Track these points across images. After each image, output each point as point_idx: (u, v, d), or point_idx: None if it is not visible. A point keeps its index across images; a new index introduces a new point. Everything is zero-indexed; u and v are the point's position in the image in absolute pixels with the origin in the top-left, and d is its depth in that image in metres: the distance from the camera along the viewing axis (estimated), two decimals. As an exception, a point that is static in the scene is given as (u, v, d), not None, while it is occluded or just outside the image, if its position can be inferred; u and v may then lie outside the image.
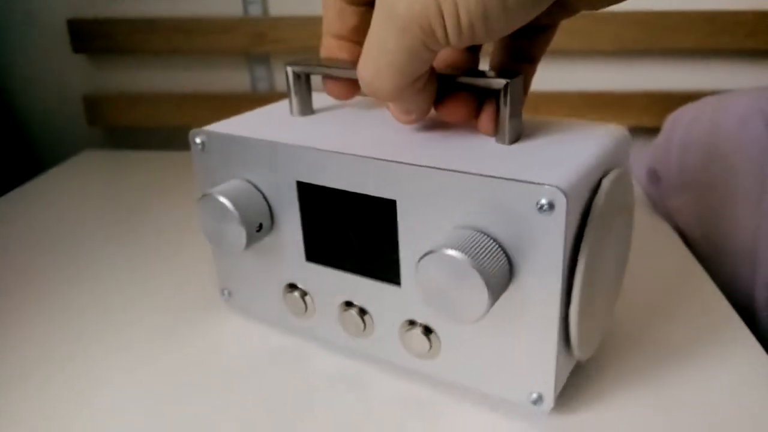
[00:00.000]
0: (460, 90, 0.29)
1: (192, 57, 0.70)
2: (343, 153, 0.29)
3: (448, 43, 0.23)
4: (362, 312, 0.32)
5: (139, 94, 0.72)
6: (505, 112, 0.28)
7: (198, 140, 0.33)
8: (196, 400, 0.31)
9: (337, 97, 0.32)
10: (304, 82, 0.34)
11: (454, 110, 0.29)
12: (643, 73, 0.66)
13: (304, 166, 0.30)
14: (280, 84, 0.71)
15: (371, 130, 0.32)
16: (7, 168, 0.70)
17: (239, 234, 0.31)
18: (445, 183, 0.26)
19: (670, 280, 0.40)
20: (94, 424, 0.30)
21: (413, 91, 0.26)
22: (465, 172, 0.26)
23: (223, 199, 0.31)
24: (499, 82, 0.27)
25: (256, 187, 0.32)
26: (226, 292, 0.37)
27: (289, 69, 0.33)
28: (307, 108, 0.35)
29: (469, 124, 0.30)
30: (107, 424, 0.30)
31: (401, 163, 0.27)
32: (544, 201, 0.24)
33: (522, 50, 0.30)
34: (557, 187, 0.24)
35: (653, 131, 0.57)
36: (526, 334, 0.27)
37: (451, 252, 0.24)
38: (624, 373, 0.32)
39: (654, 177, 0.52)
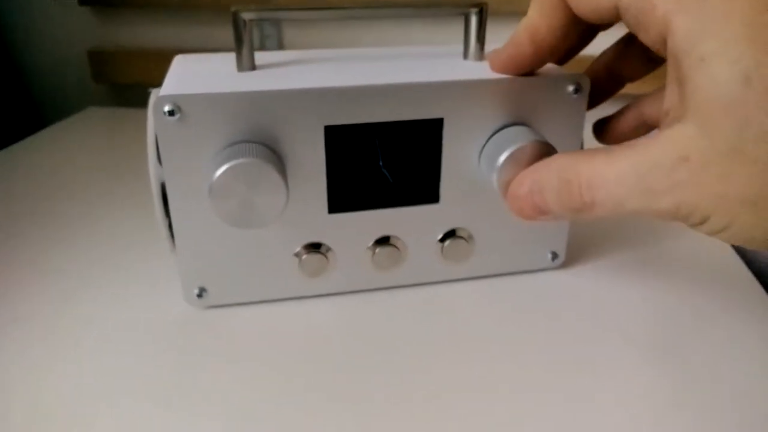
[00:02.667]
0: None
1: (200, 11, 0.66)
2: (382, 84, 0.29)
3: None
4: (395, 243, 0.32)
5: (145, 50, 0.68)
6: (477, 34, 0.33)
7: (167, 108, 0.27)
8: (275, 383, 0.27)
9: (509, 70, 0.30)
10: (252, 32, 0.30)
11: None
12: None
13: (334, 108, 0.28)
14: (289, 42, 0.67)
15: (353, 65, 0.32)
16: (11, 123, 0.70)
17: (277, 200, 0.27)
18: (489, 92, 0.30)
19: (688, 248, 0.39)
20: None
21: None
22: (507, 78, 0.30)
23: (262, 163, 0.26)
24: (475, 8, 0.32)
25: (267, 146, 0.28)
26: (197, 291, 0.31)
27: (244, 16, 0.30)
28: (252, 62, 0.31)
29: None
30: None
31: (448, 81, 0.29)
32: (573, 87, 0.31)
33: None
34: (581, 75, 0.30)
35: None
36: (547, 205, 0.33)
37: (534, 137, 0.29)
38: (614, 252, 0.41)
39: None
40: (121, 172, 0.50)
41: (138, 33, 0.69)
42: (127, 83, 0.70)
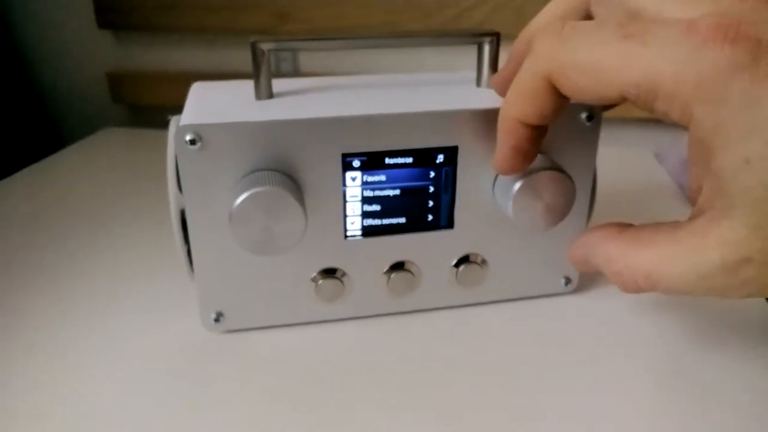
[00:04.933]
0: None
1: (217, 35, 0.68)
2: (399, 113, 0.29)
3: None
4: (410, 268, 0.32)
5: (163, 72, 0.69)
6: (491, 62, 0.33)
7: (188, 138, 0.27)
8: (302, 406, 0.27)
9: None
10: (270, 61, 0.31)
11: None
12: None
13: (351, 136, 0.29)
14: (304, 65, 0.68)
15: (369, 93, 0.32)
16: (30, 143, 0.70)
17: (296, 227, 0.28)
18: (502, 119, 0.30)
19: None
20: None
21: None
22: (521, 106, 0.30)
23: (282, 192, 0.27)
24: (489, 37, 0.32)
25: (285, 173, 0.29)
26: (214, 316, 0.32)
27: (262, 46, 0.30)
28: (270, 90, 0.32)
29: None
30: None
31: (463, 110, 0.30)
32: (586, 114, 0.31)
33: None
34: (593, 105, 0.31)
35: None
36: (561, 232, 0.34)
37: (549, 165, 0.29)
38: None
39: (687, 166, 0.54)
40: (139, 192, 0.51)
41: (156, 56, 0.70)
42: (145, 105, 0.71)
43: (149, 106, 0.72)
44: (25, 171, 0.56)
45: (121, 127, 0.72)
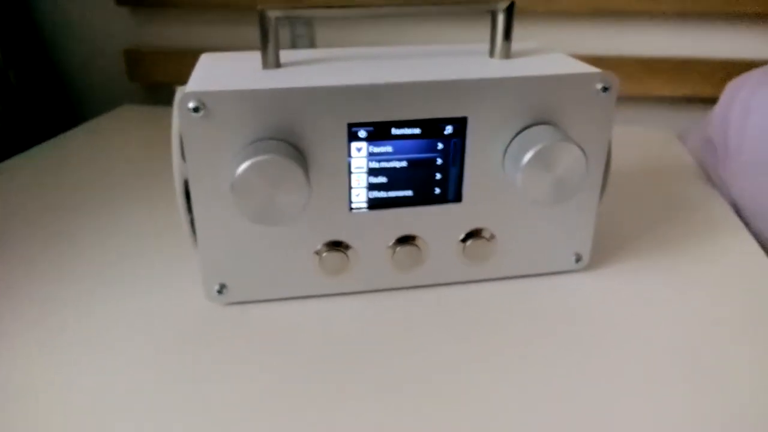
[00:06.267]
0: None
1: (236, 12, 0.67)
2: (406, 82, 0.28)
3: None
4: (416, 242, 0.32)
5: (181, 49, 0.69)
6: (504, 31, 0.32)
7: (192, 105, 0.27)
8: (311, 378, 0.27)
9: None
10: (278, 30, 0.31)
11: None
12: (705, 39, 0.61)
13: (357, 105, 0.28)
14: (320, 40, 0.67)
15: (378, 63, 0.32)
16: (46, 119, 0.71)
17: (299, 197, 0.27)
18: (514, 90, 0.29)
19: (721, 252, 0.38)
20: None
21: None
22: (533, 76, 0.29)
23: (284, 160, 0.26)
24: (503, 4, 0.31)
25: (290, 143, 0.28)
26: (217, 287, 0.31)
27: (270, 14, 0.30)
28: (278, 60, 0.31)
29: None
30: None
31: (473, 79, 0.29)
32: (601, 85, 0.30)
33: None
34: (610, 74, 0.30)
35: (711, 101, 0.54)
36: (572, 208, 0.33)
37: (564, 143, 0.28)
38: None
39: (710, 146, 0.49)
40: (153, 169, 0.51)
41: (173, 33, 0.70)
42: (161, 82, 0.71)
43: (166, 84, 0.72)
44: (42, 146, 0.56)
45: (137, 104, 0.72)
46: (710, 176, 0.50)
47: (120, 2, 0.68)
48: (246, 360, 0.29)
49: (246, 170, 0.26)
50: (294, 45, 0.68)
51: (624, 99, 0.64)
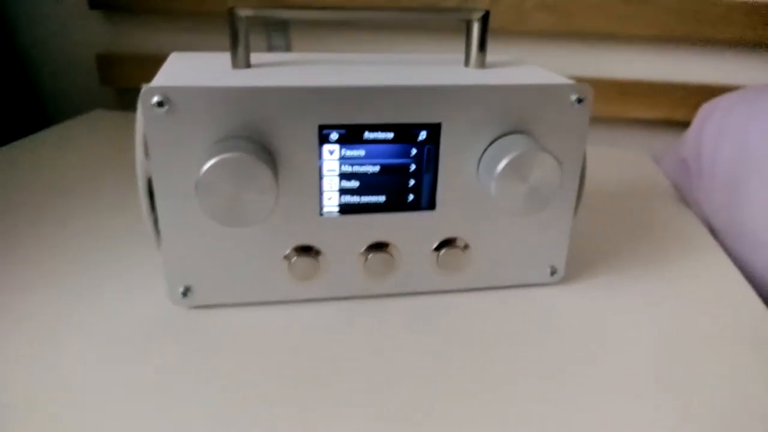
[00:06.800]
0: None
1: (209, 19, 0.67)
2: (380, 86, 0.28)
3: None
4: (388, 249, 0.31)
5: (154, 55, 0.68)
6: (479, 41, 0.32)
7: (156, 100, 0.26)
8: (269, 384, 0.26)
9: None
10: (248, 30, 0.30)
11: None
12: (679, 64, 0.62)
13: (329, 107, 0.28)
14: (297, 48, 0.67)
15: (352, 67, 0.31)
16: (16, 121, 0.70)
17: (267, 196, 0.26)
18: (489, 98, 0.29)
19: (695, 269, 0.38)
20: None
21: None
22: (508, 85, 0.29)
23: (252, 159, 0.26)
24: (478, 14, 0.31)
25: (258, 143, 0.28)
26: (182, 289, 0.30)
27: (240, 13, 0.29)
28: (248, 60, 0.31)
29: None
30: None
31: (448, 85, 0.28)
32: (576, 96, 0.30)
33: None
34: (585, 85, 0.30)
35: (685, 125, 0.55)
36: (547, 220, 0.32)
37: (539, 152, 0.28)
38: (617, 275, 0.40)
39: (684, 167, 0.50)
40: (122, 172, 0.50)
41: (147, 38, 0.69)
42: (134, 87, 0.70)
43: (138, 89, 0.71)
44: (8, 147, 0.55)
45: (110, 109, 0.71)
46: (684, 196, 0.50)
47: (93, 6, 0.67)
48: (209, 366, 0.27)
49: (211, 168, 0.25)
50: (270, 48, 0.68)
51: (599, 120, 0.65)
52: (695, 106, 0.55)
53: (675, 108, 0.62)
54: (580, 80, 0.62)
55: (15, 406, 0.25)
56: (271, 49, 0.66)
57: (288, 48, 0.66)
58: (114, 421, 0.24)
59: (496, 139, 0.30)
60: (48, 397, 0.25)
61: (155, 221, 0.29)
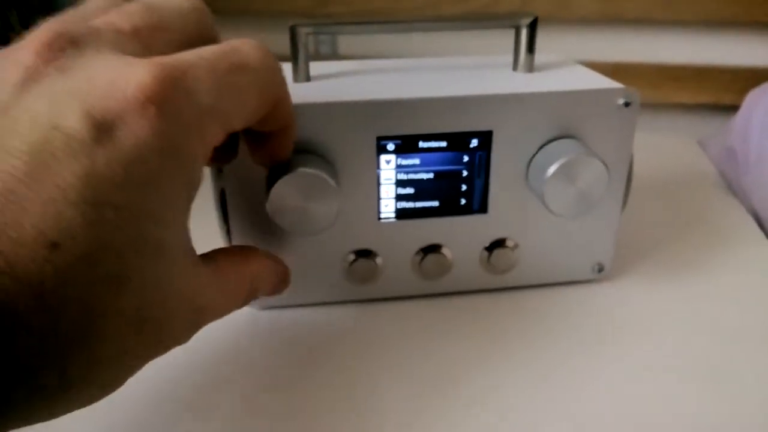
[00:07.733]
0: None
1: (257, 18, 0.68)
2: (434, 98, 0.29)
3: None
4: (442, 251, 0.33)
5: None
6: (527, 46, 0.33)
7: (229, 120, 0.28)
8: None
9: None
10: (308, 45, 0.32)
11: None
12: (726, 47, 0.62)
13: (386, 119, 0.29)
14: (343, 47, 0.68)
15: (405, 76, 0.33)
16: None
17: (331, 208, 0.28)
18: (538, 105, 0.30)
19: (739, 260, 0.39)
20: None
21: None
22: (557, 91, 0.30)
23: (318, 173, 0.28)
24: (527, 20, 0.32)
25: (321, 156, 0.30)
26: (251, 294, 0.33)
27: (301, 30, 0.31)
28: (308, 73, 0.33)
29: None
30: None
31: (498, 94, 0.30)
32: (623, 100, 0.31)
33: None
34: (632, 89, 0.31)
35: (732, 109, 0.54)
36: (595, 219, 0.34)
37: (587, 157, 0.29)
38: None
39: (731, 155, 0.50)
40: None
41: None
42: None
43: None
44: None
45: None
46: (731, 185, 0.50)
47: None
48: (274, 362, 0.30)
49: (281, 184, 0.27)
50: (317, 50, 0.70)
51: (643, 105, 0.64)
52: (743, 91, 0.54)
53: (721, 92, 0.61)
54: (624, 65, 0.63)
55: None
56: (317, 44, 0.68)
57: (334, 44, 0.68)
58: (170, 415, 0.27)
59: (545, 144, 0.31)
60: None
61: (228, 231, 0.31)
